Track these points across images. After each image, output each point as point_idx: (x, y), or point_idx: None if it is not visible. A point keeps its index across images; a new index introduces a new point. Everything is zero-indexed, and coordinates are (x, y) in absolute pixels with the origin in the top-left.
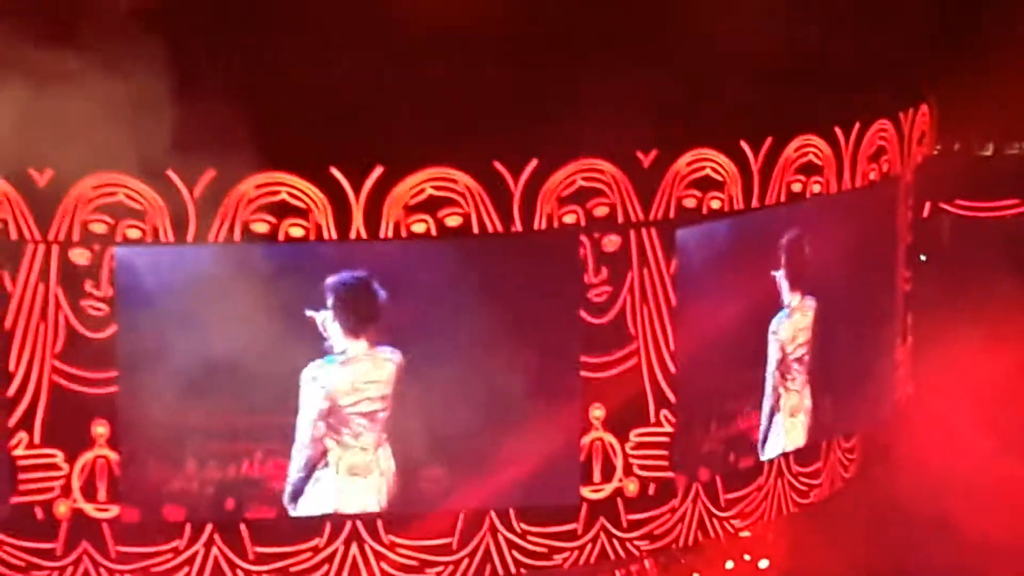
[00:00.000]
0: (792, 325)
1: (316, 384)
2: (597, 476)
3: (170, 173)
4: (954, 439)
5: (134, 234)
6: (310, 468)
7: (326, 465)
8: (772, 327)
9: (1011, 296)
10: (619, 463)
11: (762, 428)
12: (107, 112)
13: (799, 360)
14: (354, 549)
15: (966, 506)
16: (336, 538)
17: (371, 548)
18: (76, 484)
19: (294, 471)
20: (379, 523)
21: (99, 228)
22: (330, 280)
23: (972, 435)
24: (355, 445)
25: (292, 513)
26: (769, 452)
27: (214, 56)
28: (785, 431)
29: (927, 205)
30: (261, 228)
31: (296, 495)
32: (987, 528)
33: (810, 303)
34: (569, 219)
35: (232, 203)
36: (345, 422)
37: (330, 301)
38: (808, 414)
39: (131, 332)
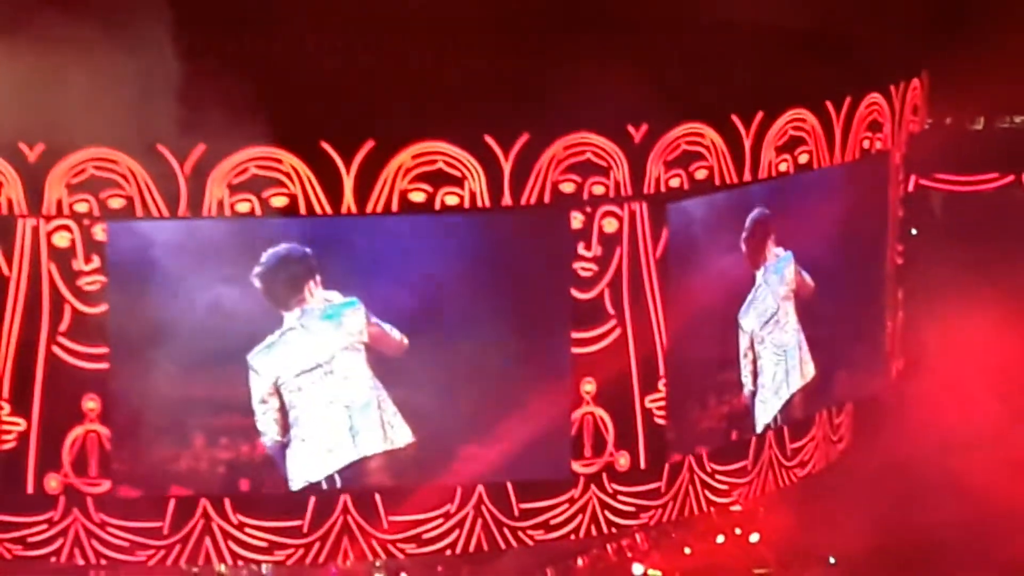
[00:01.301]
0: (762, 298)
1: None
2: (588, 450)
3: (161, 148)
4: (947, 410)
5: (123, 208)
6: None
7: (294, 438)
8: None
9: (1002, 267)
10: (610, 437)
11: (747, 398)
12: (97, 87)
13: (776, 328)
14: (349, 521)
15: (961, 474)
16: (331, 512)
17: (366, 521)
18: (67, 459)
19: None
20: (376, 497)
21: (88, 204)
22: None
23: (965, 407)
24: (317, 412)
25: (292, 487)
26: (759, 422)
27: (205, 33)
28: (770, 401)
29: (918, 179)
30: (243, 208)
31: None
32: (983, 496)
33: (782, 275)
34: (560, 192)
35: (223, 177)
36: (300, 392)
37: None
38: (792, 375)
39: (123, 307)
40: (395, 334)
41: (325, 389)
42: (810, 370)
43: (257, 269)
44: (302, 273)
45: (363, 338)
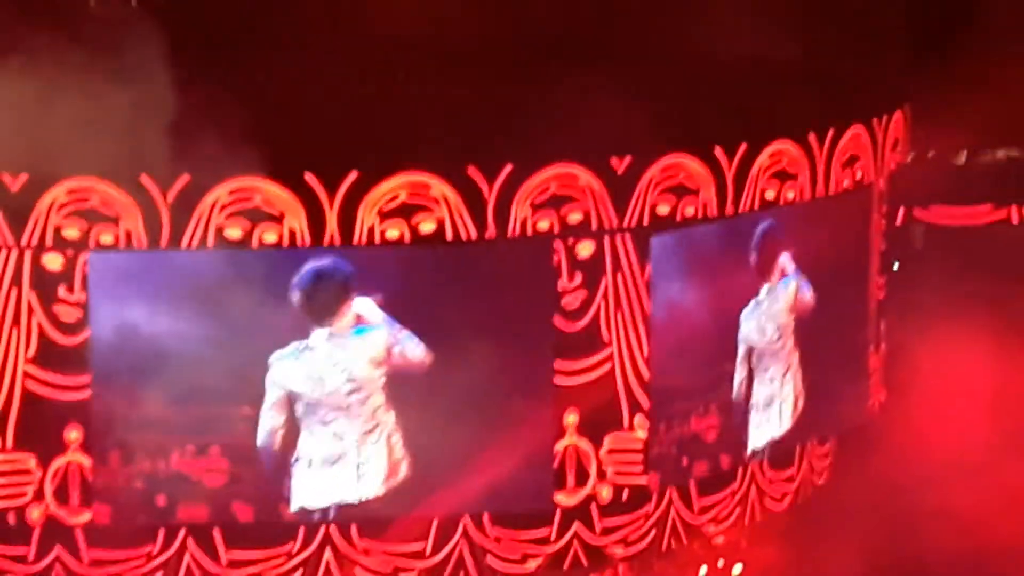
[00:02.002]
0: (760, 315)
1: (272, 375)
2: (571, 481)
3: (144, 178)
4: (935, 440)
5: (107, 239)
6: (279, 462)
7: (298, 459)
8: (742, 317)
9: (986, 302)
10: (592, 469)
11: (736, 425)
12: (81, 117)
13: (772, 352)
14: (328, 554)
15: (951, 504)
16: (309, 543)
17: (343, 554)
18: (49, 489)
19: (267, 465)
20: (352, 528)
21: (72, 233)
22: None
23: (954, 436)
24: (327, 434)
25: (290, 509)
26: (749, 446)
27: (189, 64)
28: (760, 424)
29: (901, 212)
30: (235, 233)
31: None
32: (973, 526)
33: (783, 291)
34: (543, 225)
35: (206, 208)
36: (312, 411)
37: (296, 294)
38: (785, 403)
39: (105, 337)
40: (416, 350)
41: (338, 412)
42: (800, 402)
43: (296, 281)
44: (342, 289)
45: (383, 356)
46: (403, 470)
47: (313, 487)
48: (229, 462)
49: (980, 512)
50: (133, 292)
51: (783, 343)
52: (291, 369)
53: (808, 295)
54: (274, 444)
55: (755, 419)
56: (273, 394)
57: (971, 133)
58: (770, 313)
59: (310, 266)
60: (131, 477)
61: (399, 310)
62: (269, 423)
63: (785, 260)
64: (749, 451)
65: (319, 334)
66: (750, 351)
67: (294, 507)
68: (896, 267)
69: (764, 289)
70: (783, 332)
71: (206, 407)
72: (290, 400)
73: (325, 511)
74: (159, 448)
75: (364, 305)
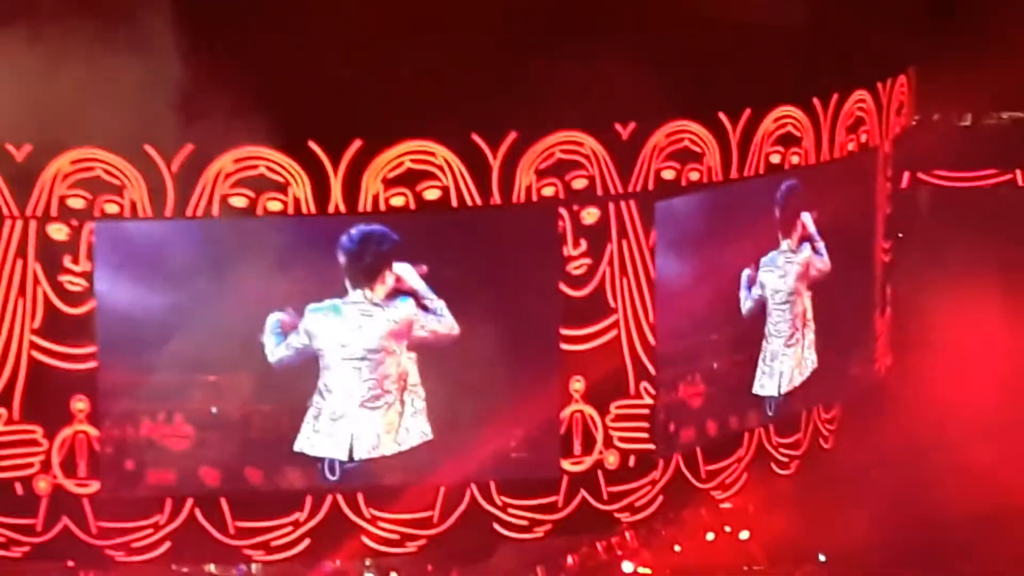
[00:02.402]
0: (779, 266)
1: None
2: (577, 448)
3: (148, 148)
4: (942, 404)
5: (112, 209)
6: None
7: (310, 407)
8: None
9: (990, 265)
10: (599, 435)
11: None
12: (85, 87)
13: (780, 310)
14: (336, 523)
15: (957, 468)
16: (316, 512)
17: (352, 521)
18: (56, 460)
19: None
20: (359, 496)
21: (77, 203)
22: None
23: (961, 400)
24: (337, 393)
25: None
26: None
27: (192, 33)
28: (763, 378)
29: (906, 176)
30: (239, 202)
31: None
32: (979, 490)
33: (800, 255)
34: (548, 192)
35: (210, 177)
36: (329, 368)
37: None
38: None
39: (110, 307)
40: (441, 325)
41: (350, 375)
42: (810, 365)
43: (343, 242)
44: (385, 257)
45: (404, 329)
46: (403, 441)
47: (315, 438)
48: (238, 428)
49: (993, 473)
50: (138, 262)
51: (791, 303)
52: (319, 323)
53: (821, 265)
54: (280, 365)
55: (759, 373)
56: (297, 340)
57: (976, 96)
58: (786, 269)
59: (358, 228)
60: (137, 447)
61: None
62: (280, 353)
63: (807, 219)
64: (754, 412)
65: (355, 295)
66: (763, 302)
67: (296, 447)
68: (900, 235)
69: (785, 244)
70: (793, 292)
71: (211, 374)
72: (308, 350)
73: (321, 461)
74: (166, 417)
75: (405, 270)
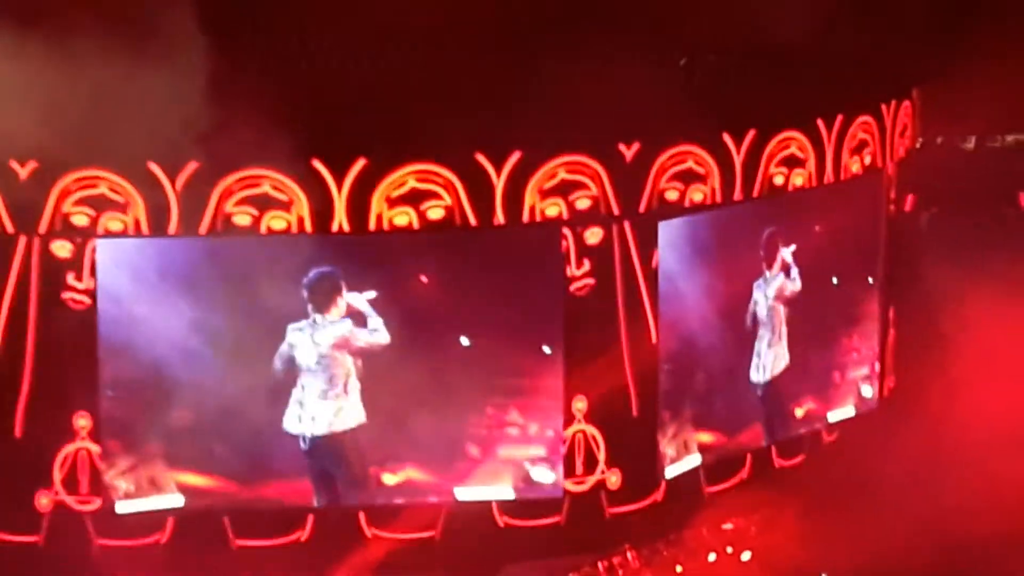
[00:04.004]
0: (764, 289)
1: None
2: (579, 468)
3: (152, 166)
4: (937, 429)
5: (116, 226)
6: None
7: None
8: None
9: (992, 286)
10: (601, 455)
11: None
12: (89, 105)
13: (764, 323)
14: (337, 541)
15: (954, 492)
16: (318, 531)
17: (353, 539)
18: (58, 477)
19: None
20: (361, 516)
21: (81, 220)
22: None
23: (957, 425)
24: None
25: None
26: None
27: (198, 53)
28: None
29: (910, 198)
30: (243, 221)
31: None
32: (975, 515)
33: (774, 282)
34: (552, 212)
35: (215, 196)
36: (301, 369)
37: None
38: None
39: (113, 324)
40: (372, 338)
41: (311, 374)
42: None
43: (304, 281)
44: (334, 287)
45: (343, 343)
46: (351, 421)
47: (292, 419)
48: (236, 444)
49: (998, 490)
50: (142, 279)
51: (771, 316)
52: (295, 337)
53: (793, 288)
54: (279, 374)
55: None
56: (283, 348)
57: (980, 119)
58: (767, 292)
59: (315, 270)
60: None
61: (408, 296)
62: (276, 362)
63: (786, 253)
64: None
65: (316, 317)
66: (756, 316)
67: (284, 426)
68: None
69: (768, 273)
70: (771, 309)
71: (213, 388)
72: (292, 358)
73: (295, 436)
74: (168, 432)
75: (352, 298)
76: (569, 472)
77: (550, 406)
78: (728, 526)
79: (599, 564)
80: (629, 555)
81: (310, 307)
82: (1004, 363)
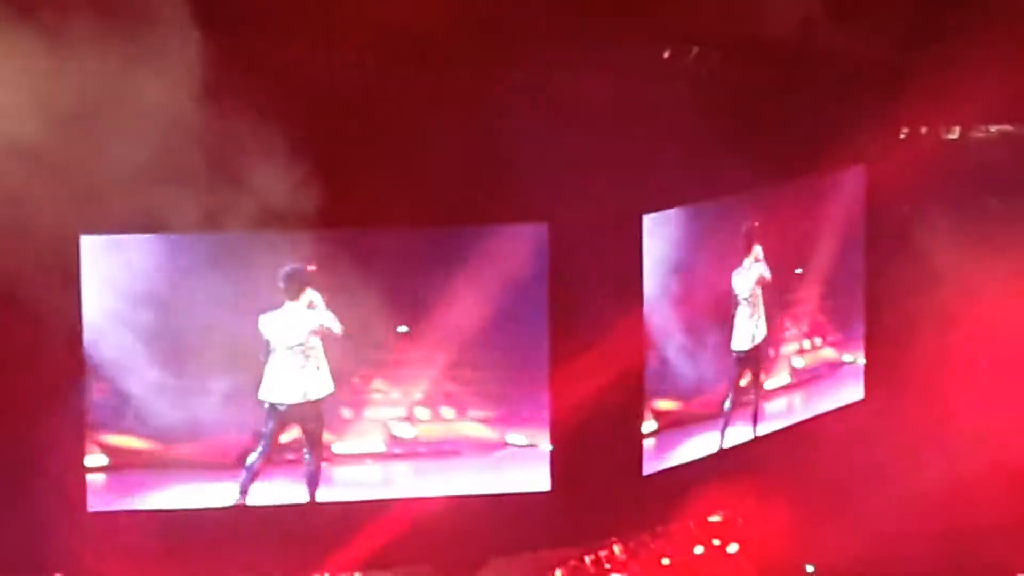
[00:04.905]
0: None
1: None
2: (569, 462)
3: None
4: (924, 419)
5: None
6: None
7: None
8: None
9: (977, 276)
10: (590, 449)
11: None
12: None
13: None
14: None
15: (941, 487)
16: (304, 532)
17: (340, 537)
18: None
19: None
20: (348, 511)
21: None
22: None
23: (943, 415)
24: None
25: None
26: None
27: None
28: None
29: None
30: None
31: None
32: (963, 510)
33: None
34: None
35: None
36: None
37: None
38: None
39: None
40: (333, 327)
41: (288, 352)
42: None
43: (281, 274)
44: (301, 283)
45: (316, 329)
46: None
47: (268, 389)
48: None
49: (986, 485)
50: (126, 274)
51: (751, 301)
52: (269, 323)
53: (766, 275)
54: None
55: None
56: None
57: (964, 109)
58: (744, 280)
59: (290, 266)
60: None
61: (391, 295)
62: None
63: (757, 250)
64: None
65: (288, 306)
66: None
67: (260, 396)
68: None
69: (746, 262)
70: (751, 295)
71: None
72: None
73: (272, 404)
74: (158, 431)
75: (312, 295)
76: (558, 465)
77: (538, 400)
78: (715, 519)
79: (585, 557)
80: (616, 548)
81: (285, 297)
82: (989, 353)
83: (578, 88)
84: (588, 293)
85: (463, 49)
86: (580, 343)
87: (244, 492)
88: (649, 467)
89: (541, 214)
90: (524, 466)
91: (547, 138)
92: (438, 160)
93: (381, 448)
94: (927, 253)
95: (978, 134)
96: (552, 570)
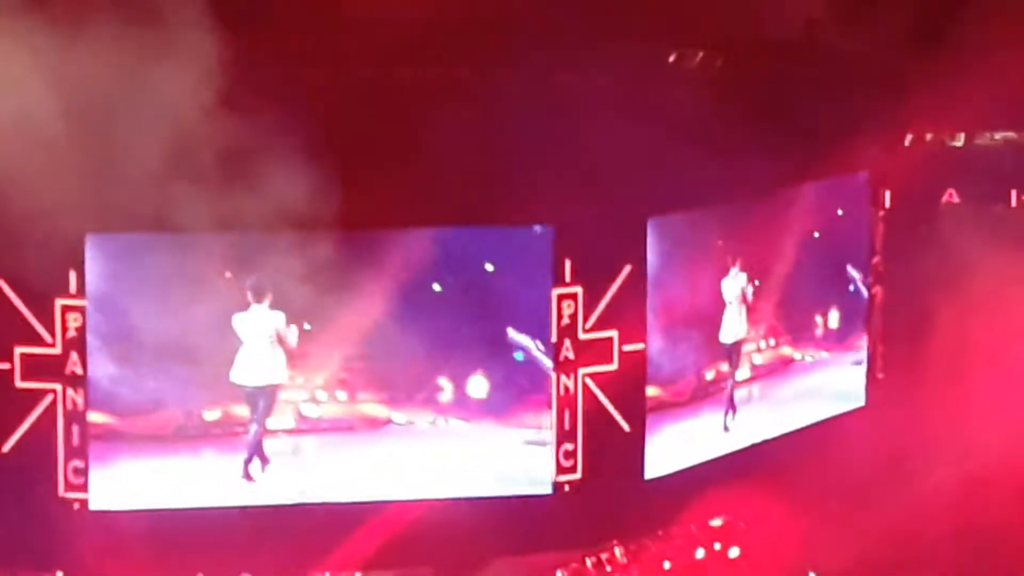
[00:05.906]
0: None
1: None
2: (565, 464)
3: None
4: (925, 425)
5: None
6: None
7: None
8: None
9: (983, 283)
10: (587, 451)
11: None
12: None
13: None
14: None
15: (943, 489)
16: (289, 536)
17: (339, 536)
18: None
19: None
20: (348, 512)
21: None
22: None
23: (945, 421)
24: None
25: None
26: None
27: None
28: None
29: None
30: None
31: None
32: (964, 512)
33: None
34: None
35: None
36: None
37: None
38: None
39: (99, 317)
40: (290, 337)
41: (255, 342)
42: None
43: (248, 281)
44: (266, 286)
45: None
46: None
47: (238, 373)
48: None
49: (986, 488)
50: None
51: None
52: (240, 322)
53: (746, 285)
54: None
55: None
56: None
57: (968, 116)
58: (730, 287)
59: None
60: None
61: (393, 292)
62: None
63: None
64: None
65: (254, 307)
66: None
67: (232, 379)
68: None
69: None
70: (736, 299)
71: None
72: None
73: (244, 387)
74: (154, 426)
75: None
76: (555, 467)
77: (537, 401)
78: (717, 522)
79: (587, 559)
80: (617, 551)
81: (253, 299)
82: (993, 360)
83: (584, 93)
84: (588, 293)
85: (471, 53)
86: (580, 343)
87: (249, 462)
88: (651, 471)
89: (547, 216)
90: (527, 468)
91: (552, 141)
92: (444, 162)
93: (291, 424)
94: (933, 256)
95: (983, 141)
96: (553, 572)
